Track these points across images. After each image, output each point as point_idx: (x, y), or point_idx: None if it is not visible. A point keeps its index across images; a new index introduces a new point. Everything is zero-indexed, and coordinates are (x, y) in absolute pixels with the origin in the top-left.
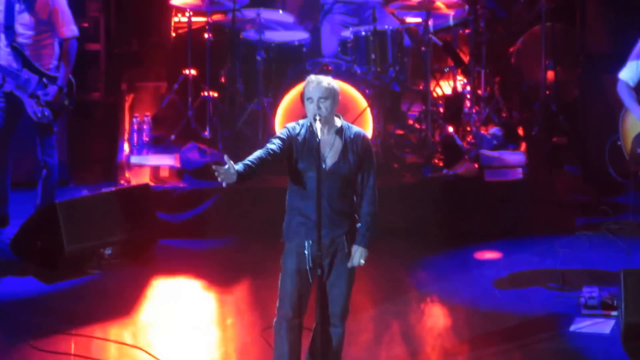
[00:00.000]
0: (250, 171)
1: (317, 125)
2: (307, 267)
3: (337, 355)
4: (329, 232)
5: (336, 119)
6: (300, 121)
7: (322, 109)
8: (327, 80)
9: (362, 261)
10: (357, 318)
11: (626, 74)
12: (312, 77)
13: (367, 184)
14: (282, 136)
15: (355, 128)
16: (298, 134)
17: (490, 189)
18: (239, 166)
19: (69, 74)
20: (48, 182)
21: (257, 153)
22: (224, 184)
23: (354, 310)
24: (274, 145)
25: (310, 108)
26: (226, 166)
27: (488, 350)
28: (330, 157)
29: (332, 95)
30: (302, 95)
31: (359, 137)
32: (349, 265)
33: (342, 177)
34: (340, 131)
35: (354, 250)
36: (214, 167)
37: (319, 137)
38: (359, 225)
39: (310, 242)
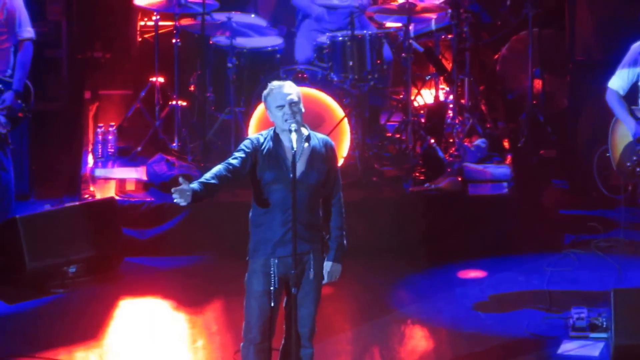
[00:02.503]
0: (207, 190)
1: (293, 136)
2: (272, 288)
3: None
4: (297, 247)
5: (302, 127)
6: (264, 132)
7: (297, 114)
8: (289, 84)
9: (337, 277)
10: (335, 339)
11: (616, 83)
12: (275, 83)
13: (334, 194)
14: (245, 149)
15: (321, 135)
16: (262, 145)
17: (474, 204)
18: (194, 185)
19: (24, 78)
20: (4, 198)
21: (217, 169)
22: (181, 204)
23: (332, 332)
24: (235, 160)
25: (280, 115)
26: (181, 186)
27: None
28: (298, 166)
29: (300, 99)
30: (266, 105)
31: (327, 145)
32: (324, 282)
33: (310, 187)
34: (307, 139)
35: (328, 267)
36: (172, 189)
37: (295, 148)
38: (328, 238)
39: (277, 260)
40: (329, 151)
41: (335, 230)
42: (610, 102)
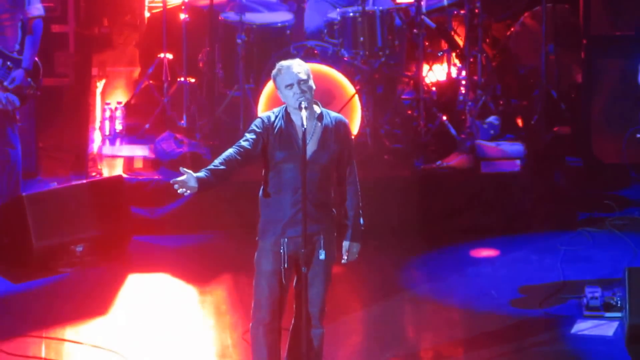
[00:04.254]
0: (215, 177)
1: (303, 114)
2: (282, 268)
3: (319, 356)
4: (307, 227)
5: (314, 105)
6: (275, 110)
7: (307, 92)
8: (297, 62)
9: (356, 256)
10: (346, 320)
11: None
12: (284, 63)
13: (350, 173)
14: (256, 129)
15: (334, 114)
16: (273, 124)
17: (487, 181)
18: (200, 173)
19: (34, 56)
20: (12, 175)
21: (227, 153)
22: (185, 194)
23: (342, 312)
24: (246, 142)
25: (291, 94)
26: (184, 176)
27: (484, 354)
28: (310, 145)
29: (309, 76)
30: (276, 85)
31: (340, 124)
32: (343, 261)
33: (322, 166)
34: (320, 117)
35: (348, 247)
36: (171, 181)
37: (305, 126)
38: (345, 218)
39: (287, 239)
40: (343, 130)
41: (352, 209)
42: None
